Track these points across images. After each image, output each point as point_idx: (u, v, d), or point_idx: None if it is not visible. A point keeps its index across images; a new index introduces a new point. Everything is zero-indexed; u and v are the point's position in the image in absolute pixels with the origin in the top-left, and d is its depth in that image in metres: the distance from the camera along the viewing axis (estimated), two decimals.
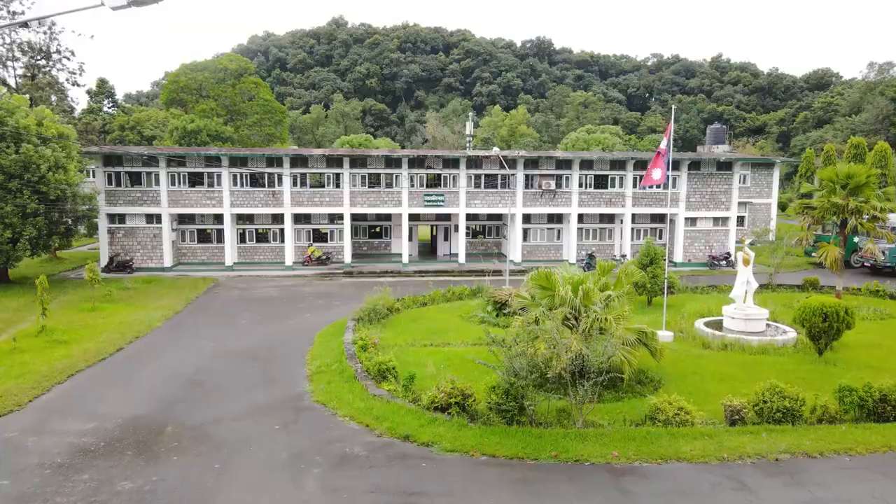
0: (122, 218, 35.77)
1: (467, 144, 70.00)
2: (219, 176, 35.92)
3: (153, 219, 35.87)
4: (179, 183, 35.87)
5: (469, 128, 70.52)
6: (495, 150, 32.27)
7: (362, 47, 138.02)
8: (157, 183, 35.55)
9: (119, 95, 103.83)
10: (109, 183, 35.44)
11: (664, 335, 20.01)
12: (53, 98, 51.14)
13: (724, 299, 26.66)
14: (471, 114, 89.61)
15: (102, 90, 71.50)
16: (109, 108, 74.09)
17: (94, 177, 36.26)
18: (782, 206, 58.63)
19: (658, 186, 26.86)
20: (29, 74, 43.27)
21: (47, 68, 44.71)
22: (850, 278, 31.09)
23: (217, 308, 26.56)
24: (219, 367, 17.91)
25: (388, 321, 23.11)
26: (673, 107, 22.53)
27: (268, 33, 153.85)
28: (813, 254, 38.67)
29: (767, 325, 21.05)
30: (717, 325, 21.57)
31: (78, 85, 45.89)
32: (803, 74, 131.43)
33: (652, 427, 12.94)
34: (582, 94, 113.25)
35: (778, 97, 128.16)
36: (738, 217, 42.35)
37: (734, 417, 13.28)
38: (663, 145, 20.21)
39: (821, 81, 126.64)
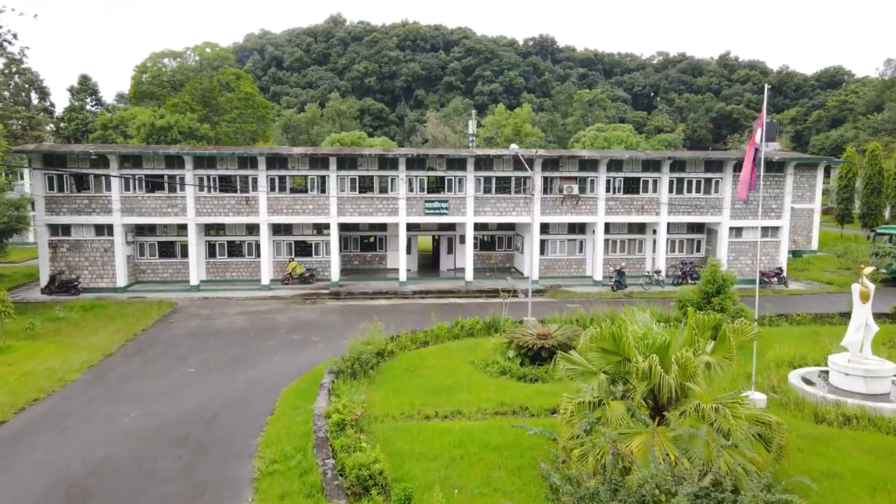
0: (66, 229, 30.20)
1: (470, 144, 64.58)
2: (182, 179, 30.40)
3: (104, 230, 30.32)
4: (135, 187, 30.31)
5: (472, 126, 65.13)
6: (513, 148, 26.74)
7: (361, 45, 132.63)
8: (108, 188, 30.01)
9: (113, 96, 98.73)
10: (50, 188, 29.88)
11: (755, 398, 14.57)
12: (34, 94, 45.82)
13: (807, 335, 21.24)
14: (473, 112, 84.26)
15: (85, 87, 66.06)
16: (93, 106, 68.95)
17: (23, 179, 30.72)
18: None
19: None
20: None
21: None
22: None
23: (162, 348, 20.97)
24: (125, 462, 12.27)
25: (377, 371, 17.55)
26: (766, 86, 16.80)
27: (264, 31, 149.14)
28: (883, 270, 33.30)
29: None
30: (814, 379, 16.13)
31: (19, 73, 40.02)
32: (814, 72, 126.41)
33: None
34: (589, 92, 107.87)
35: (789, 96, 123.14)
36: None
37: None
38: (757, 138, 14.67)
39: (833, 79, 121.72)
